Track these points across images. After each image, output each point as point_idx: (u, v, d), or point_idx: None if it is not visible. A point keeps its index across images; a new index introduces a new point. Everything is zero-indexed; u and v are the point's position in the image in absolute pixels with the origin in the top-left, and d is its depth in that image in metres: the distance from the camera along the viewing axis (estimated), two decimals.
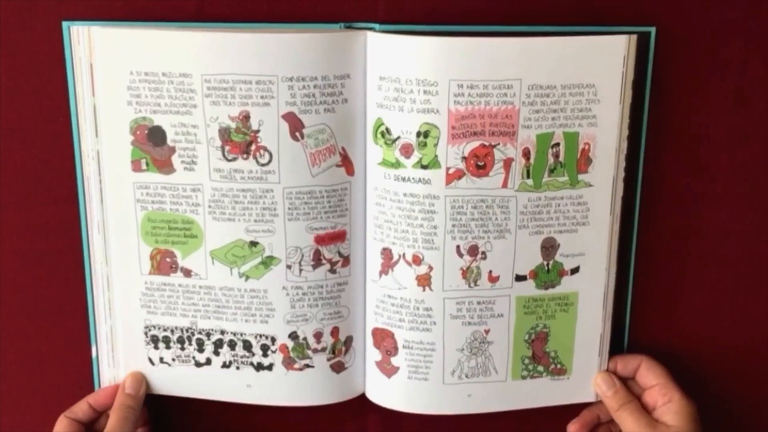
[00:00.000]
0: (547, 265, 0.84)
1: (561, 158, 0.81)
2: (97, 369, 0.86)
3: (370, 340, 0.86)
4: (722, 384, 0.90)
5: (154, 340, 0.85)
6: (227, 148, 0.79)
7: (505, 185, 0.80)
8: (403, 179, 0.80)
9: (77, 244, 0.84)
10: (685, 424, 0.81)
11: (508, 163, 0.80)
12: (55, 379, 0.88)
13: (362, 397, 0.88)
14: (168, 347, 0.86)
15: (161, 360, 0.86)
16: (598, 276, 0.85)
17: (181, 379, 0.86)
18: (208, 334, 0.85)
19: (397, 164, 0.80)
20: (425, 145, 0.79)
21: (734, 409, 0.91)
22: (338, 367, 0.86)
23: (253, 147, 0.79)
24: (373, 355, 0.86)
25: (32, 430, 0.89)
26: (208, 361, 0.86)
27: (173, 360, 0.86)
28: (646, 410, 0.84)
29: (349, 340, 0.87)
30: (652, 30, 0.81)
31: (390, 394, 0.87)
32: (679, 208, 0.86)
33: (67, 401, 0.87)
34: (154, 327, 0.85)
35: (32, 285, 0.86)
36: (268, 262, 0.82)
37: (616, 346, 0.88)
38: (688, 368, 0.88)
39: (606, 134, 0.81)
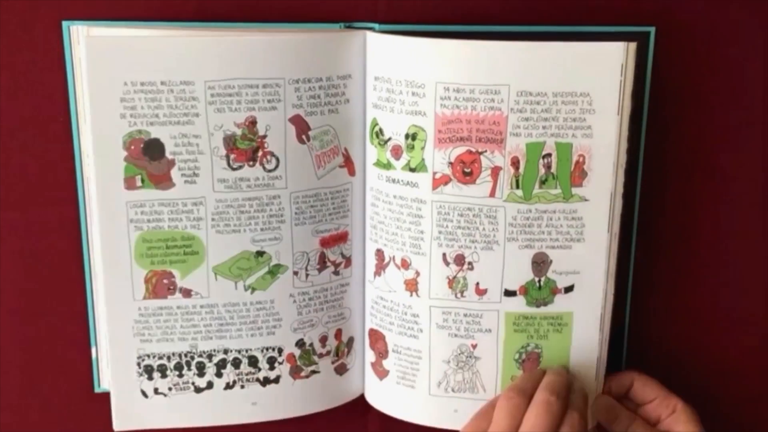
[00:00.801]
0: (539, 281, 0.81)
1: (553, 169, 0.78)
2: (97, 370, 0.86)
3: (367, 340, 0.87)
4: (722, 397, 0.91)
5: (148, 371, 0.82)
6: (232, 156, 0.78)
7: (492, 194, 0.78)
8: (393, 181, 0.80)
9: (77, 245, 0.84)
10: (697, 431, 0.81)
11: (496, 172, 0.78)
12: (55, 379, 0.88)
13: (362, 399, 0.88)
14: (164, 376, 0.83)
15: (156, 391, 0.83)
16: (595, 297, 0.81)
17: (179, 409, 0.83)
18: (210, 356, 0.83)
19: (388, 165, 0.80)
20: (413, 147, 0.78)
21: (735, 421, 0.92)
22: (341, 369, 0.87)
23: (259, 153, 0.79)
24: (369, 356, 0.87)
25: (32, 430, 0.89)
26: (210, 385, 0.84)
27: (170, 389, 0.83)
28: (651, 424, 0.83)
29: (350, 341, 0.87)
30: (652, 30, 0.81)
31: (382, 396, 0.87)
32: (679, 216, 0.86)
33: (67, 401, 0.87)
34: (149, 356, 0.82)
35: (32, 285, 0.86)
36: (275, 270, 0.82)
37: (614, 361, 0.87)
38: (687, 381, 0.87)
39: (603, 147, 0.78)
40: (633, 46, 0.76)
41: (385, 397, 0.86)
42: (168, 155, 0.77)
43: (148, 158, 0.77)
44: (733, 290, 0.88)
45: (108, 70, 0.75)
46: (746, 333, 0.89)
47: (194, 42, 0.76)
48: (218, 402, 0.84)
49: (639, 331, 0.88)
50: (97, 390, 0.87)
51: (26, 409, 0.88)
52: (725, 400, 0.91)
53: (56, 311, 0.86)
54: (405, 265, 0.81)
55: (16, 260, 0.85)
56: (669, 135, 0.84)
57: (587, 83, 0.76)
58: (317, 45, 0.77)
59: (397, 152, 0.79)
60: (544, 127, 0.77)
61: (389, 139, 0.79)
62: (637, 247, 0.86)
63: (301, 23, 0.80)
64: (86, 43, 0.75)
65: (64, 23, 0.79)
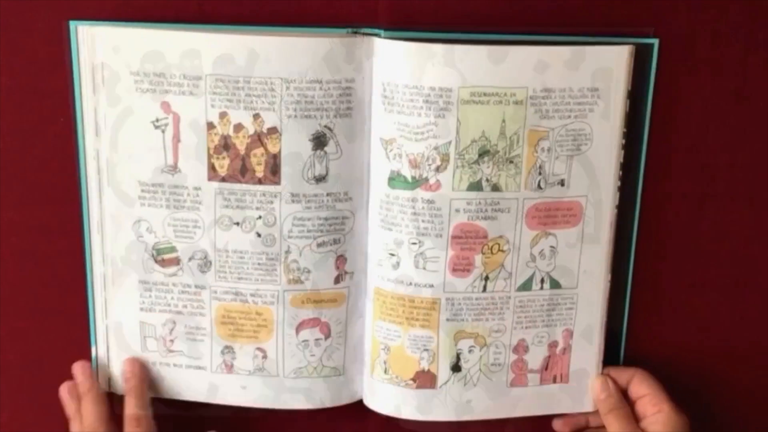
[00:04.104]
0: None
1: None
2: (97, 370, 0.86)
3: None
4: (720, 394, 0.90)
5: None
6: None
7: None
8: None
9: (79, 245, 0.84)
10: None
11: None
12: (55, 379, 0.87)
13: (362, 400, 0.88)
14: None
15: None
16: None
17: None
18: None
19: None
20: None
21: (731, 419, 0.91)
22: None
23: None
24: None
25: (32, 430, 0.89)
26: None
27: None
28: (637, 419, 0.84)
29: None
30: (655, 41, 0.81)
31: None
32: (679, 216, 0.86)
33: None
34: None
35: (32, 285, 0.86)
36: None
37: (613, 358, 0.88)
38: (685, 377, 0.88)
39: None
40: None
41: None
42: None
43: None
44: (733, 290, 0.88)
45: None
46: (746, 333, 0.89)
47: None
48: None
49: (637, 331, 0.88)
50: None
51: (26, 409, 0.89)
52: (724, 401, 0.91)
53: (56, 311, 0.87)
54: None
55: (17, 260, 0.85)
56: (671, 140, 0.84)
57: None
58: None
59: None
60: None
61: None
62: (637, 248, 0.86)
63: (301, 26, 0.80)
64: (101, 35, 0.78)
65: (71, 23, 0.79)
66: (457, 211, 0.81)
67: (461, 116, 0.78)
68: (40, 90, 0.82)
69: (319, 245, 0.82)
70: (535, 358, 0.86)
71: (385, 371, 0.85)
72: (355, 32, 0.80)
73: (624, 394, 0.85)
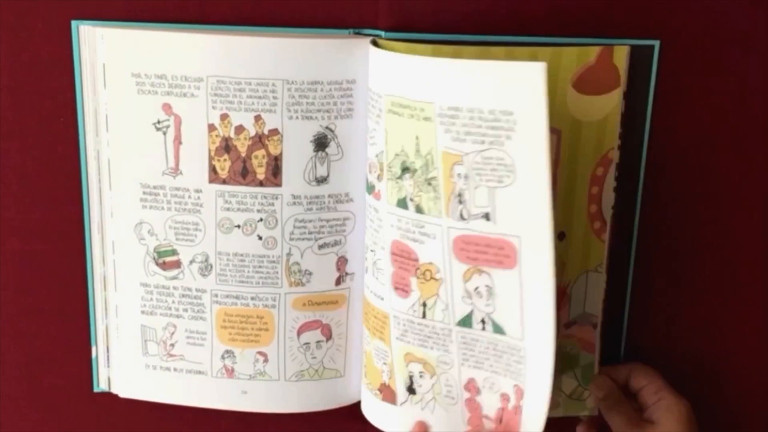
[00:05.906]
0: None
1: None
2: (96, 369, 0.87)
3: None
4: (721, 399, 0.90)
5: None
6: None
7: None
8: None
9: (80, 245, 0.85)
10: (673, 423, 0.80)
11: None
12: (55, 379, 0.88)
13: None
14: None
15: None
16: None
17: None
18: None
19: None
20: None
21: (731, 419, 0.92)
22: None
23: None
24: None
25: (32, 430, 0.89)
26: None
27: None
28: (640, 411, 0.83)
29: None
30: (656, 43, 0.81)
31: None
32: (679, 217, 0.86)
33: (67, 401, 0.87)
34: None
35: (32, 285, 0.86)
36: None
37: (614, 357, 0.87)
38: (684, 378, 0.87)
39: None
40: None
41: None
42: None
43: None
44: (733, 292, 0.88)
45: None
46: (746, 334, 0.89)
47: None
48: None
49: (637, 332, 0.88)
50: (96, 390, 0.87)
51: (26, 409, 0.89)
52: (724, 402, 0.91)
53: (56, 311, 0.87)
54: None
55: (17, 260, 0.85)
56: (671, 141, 0.84)
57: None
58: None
59: None
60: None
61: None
62: (637, 249, 0.86)
63: (300, 28, 0.80)
64: (102, 36, 0.78)
65: (74, 23, 0.79)
66: (392, 226, 0.77)
67: (387, 126, 0.75)
68: (42, 90, 0.81)
69: (320, 247, 0.82)
70: (490, 404, 0.77)
71: (365, 375, 0.85)
72: (357, 33, 0.80)
73: (626, 389, 0.85)
